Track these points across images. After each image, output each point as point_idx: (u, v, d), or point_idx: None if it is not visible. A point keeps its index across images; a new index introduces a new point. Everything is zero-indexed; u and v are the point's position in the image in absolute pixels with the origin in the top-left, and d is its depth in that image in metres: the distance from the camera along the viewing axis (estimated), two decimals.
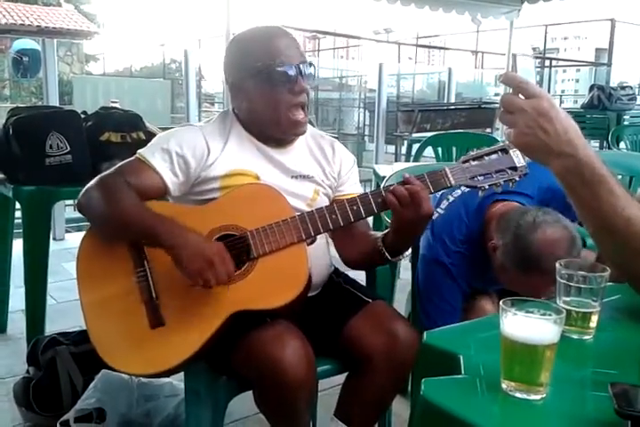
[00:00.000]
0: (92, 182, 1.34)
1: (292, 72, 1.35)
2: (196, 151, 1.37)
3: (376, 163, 5.02)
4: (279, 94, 1.36)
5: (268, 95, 1.37)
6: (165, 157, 1.36)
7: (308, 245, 1.32)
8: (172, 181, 1.36)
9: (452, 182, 1.28)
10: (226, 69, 1.45)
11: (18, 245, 2.29)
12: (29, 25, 15.01)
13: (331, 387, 1.74)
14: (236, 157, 1.41)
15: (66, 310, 2.64)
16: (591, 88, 6.29)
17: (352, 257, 1.49)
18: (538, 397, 0.71)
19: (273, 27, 1.44)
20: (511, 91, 0.87)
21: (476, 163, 1.28)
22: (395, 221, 1.30)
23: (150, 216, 1.27)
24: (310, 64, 1.40)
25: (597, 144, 5.85)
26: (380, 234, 1.39)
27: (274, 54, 1.35)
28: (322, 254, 1.47)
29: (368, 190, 1.36)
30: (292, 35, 1.43)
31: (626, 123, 5.97)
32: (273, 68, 1.34)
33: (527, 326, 0.72)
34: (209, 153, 1.38)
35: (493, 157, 1.28)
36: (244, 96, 1.41)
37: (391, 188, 1.27)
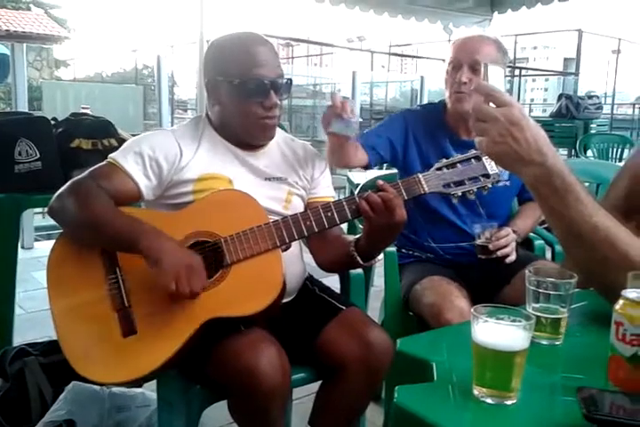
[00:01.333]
0: (64, 187, 1.32)
1: (264, 87, 1.36)
2: (169, 154, 1.37)
3: (350, 170, 5.03)
4: (250, 106, 1.37)
5: (239, 105, 1.38)
6: (138, 161, 1.35)
7: (283, 251, 1.32)
8: (145, 184, 1.35)
9: (426, 189, 1.30)
10: (204, 69, 1.45)
11: None
12: None
13: (305, 395, 1.74)
14: (209, 160, 1.41)
15: (35, 320, 2.59)
16: (559, 97, 6.43)
17: (325, 261, 1.49)
18: (509, 402, 0.72)
19: (254, 35, 1.44)
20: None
21: (449, 170, 1.30)
22: (367, 227, 1.31)
23: (125, 221, 1.26)
24: (287, 80, 1.41)
25: (565, 152, 5.98)
26: (352, 238, 1.40)
27: (249, 65, 1.36)
28: (296, 260, 1.47)
29: (342, 197, 1.37)
30: (272, 44, 1.43)
31: (593, 131, 6.11)
32: (246, 80, 1.35)
33: (498, 332, 0.73)
34: (181, 156, 1.38)
35: (466, 164, 1.30)
36: (216, 99, 1.43)
37: (365, 195, 1.27)
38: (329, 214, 1.31)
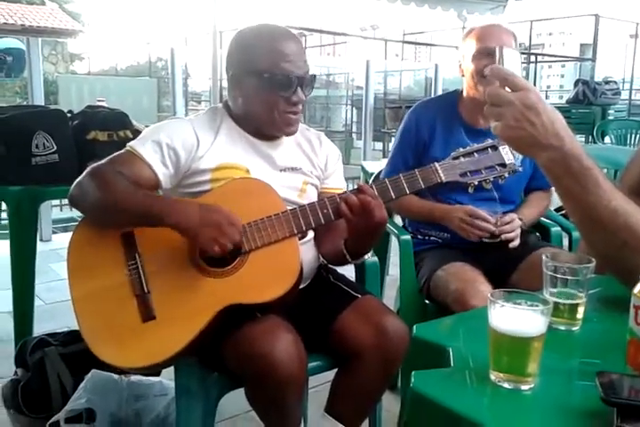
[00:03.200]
0: (84, 174, 1.33)
1: (292, 83, 1.36)
2: (186, 143, 1.38)
3: (364, 159, 5.02)
4: (276, 100, 1.37)
5: (265, 98, 1.37)
6: (156, 149, 1.36)
7: (300, 239, 1.33)
8: (162, 172, 1.36)
9: (443, 178, 1.30)
10: (228, 61, 1.44)
11: (4, 247, 2.27)
12: (13, 24, 14.87)
13: (321, 384, 1.74)
14: (227, 150, 1.41)
15: (54, 311, 2.62)
16: (576, 83, 6.33)
17: (323, 253, 1.50)
18: (526, 387, 0.72)
19: (283, 29, 1.43)
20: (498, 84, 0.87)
21: (466, 159, 1.30)
22: (348, 229, 1.32)
23: (146, 197, 1.28)
24: (312, 75, 1.40)
25: (583, 138, 5.90)
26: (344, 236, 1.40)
27: (278, 60, 1.35)
28: (310, 247, 1.48)
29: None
30: (300, 40, 1.43)
31: (610, 117, 6.03)
32: (274, 74, 1.35)
33: (515, 317, 0.72)
34: (198, 145, 1.39)
35: (483, 153, 1.30)
36: (241, 91, 1.42)
37: (343, 196, 1.28)
38: None
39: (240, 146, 1.44)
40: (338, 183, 1.57)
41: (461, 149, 1.31)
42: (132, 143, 1.38)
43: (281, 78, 1.35)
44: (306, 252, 1.41)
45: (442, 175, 1.29)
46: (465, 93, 1.90)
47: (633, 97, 8.74)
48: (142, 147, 1.36)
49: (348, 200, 1.26)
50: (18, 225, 2.15)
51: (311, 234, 1.48)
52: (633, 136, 5.34)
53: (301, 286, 1.40)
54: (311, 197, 1.49)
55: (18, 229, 2.15)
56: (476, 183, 1.31)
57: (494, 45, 1.72)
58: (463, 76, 1.89)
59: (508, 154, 1.29)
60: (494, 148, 1.29)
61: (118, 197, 1.27)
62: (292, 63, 1.36)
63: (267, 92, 1.37)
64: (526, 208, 1.90)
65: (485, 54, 1.77)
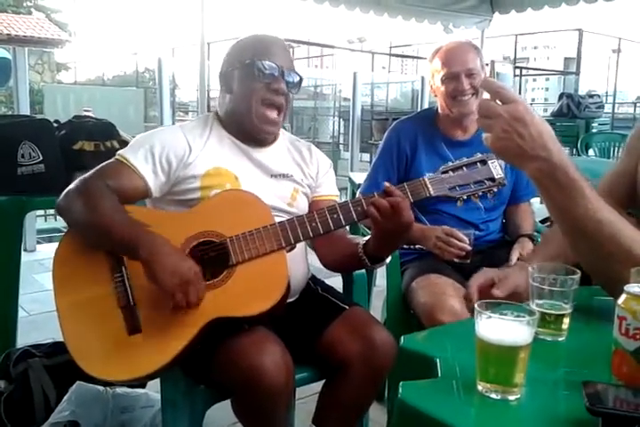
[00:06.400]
0: (72, 185, 1.32)
1: (274, 70, 1.40)
2: (178, 150, 1.38)
3: (351, 171, 5.05)
4: (256, 88, 1.40)
5: (247, 86, 1.41)
6: (148, 157, 1.35)
7: (288, 252, 1.32)
8: (153, 181, 1.36)
9: (432, 192, 1.29)
10: (221, 65, 1.49)
11: None
12: None
13: (308, 395, 1.74)
14: (216, 154, 1.42)
15: (37, 323, 2.59)
16: (560, 96, 6.43)
17: (330, 261, 1.50)
18: (513, 397, 0.72)
19: (272, 35, 1.51)
20: (489, 96, 0.89)
21: (455, 173, 1.29)
22: (375, 231, 1.31)
23: (129, 227, 1.25)
24: (298, 76, 1.45)
25: (567, 151, 5.98)
26: (360, 240, 1.40)
27: (263, 52, 1.42)
28: (300, 261, 1.47)
29: (346, 199, 1.37)
30: (287, 45, 1.50)
31: (594, 130, 6.11)
32: (258, 62, 1.39)
33: (501, 328, 0.73)
34: (190, 151, 1.39)
35: (472, 167, 1.30)
36: (227, 88, 1.45)
37: (372, 199, 1.27)
38: (335, 216, 1.30)
39: (229, 150, 1.45)
40: (331, 190, 1.58)
41: (450, 164, 1.31)
42: (123, 152, 1.37)
43: (263, 64, 1.39)
44: (296, 266, 1.40)
45: (431, 189, 1.29)
46: (440, 111, 1.96)
47: (616, 110, 8.88)
48: (134, 156, 1.36)
49: (376, 202, 1.25)
50: (2, 235, 2.12)
51: (301, 249, 1.47)
52: (616, 149, 5.41)
53: (291, 300, 1.40)
54: (301, 206, 1.49)
55: (2, 239, 2.12)
56: (465, 198, 1.30)
57: (459, 70, 1.83)
58: (436, 96, 1.95)
59: (497, 168, 1.28)
60: (483, 162, 1.29)
61: (101, 221, 1.25)
62: (275, 56, 1.42)
63: (249, 81, 1.41)
64: (526, 223, 1.97)
65: (452, 78, 1.85)
